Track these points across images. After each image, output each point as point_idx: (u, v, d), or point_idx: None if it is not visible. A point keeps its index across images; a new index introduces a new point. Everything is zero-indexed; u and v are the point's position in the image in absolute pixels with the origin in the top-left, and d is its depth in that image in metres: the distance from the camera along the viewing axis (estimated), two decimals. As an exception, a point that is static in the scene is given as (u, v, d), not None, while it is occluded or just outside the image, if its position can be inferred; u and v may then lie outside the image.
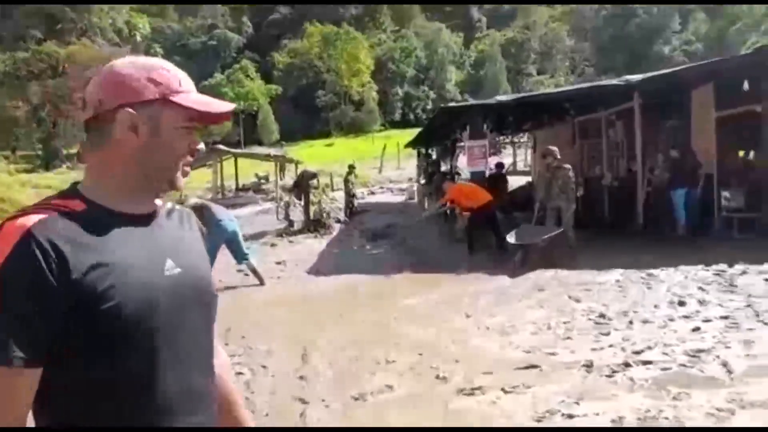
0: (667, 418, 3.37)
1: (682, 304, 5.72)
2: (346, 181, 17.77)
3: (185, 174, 1.16)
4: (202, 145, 1.18)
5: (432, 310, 6.41)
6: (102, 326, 1.00)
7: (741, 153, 10.71)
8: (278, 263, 9.89)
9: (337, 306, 6.88)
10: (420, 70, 69.75)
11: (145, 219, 1.13)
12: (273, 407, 3.99)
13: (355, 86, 63.15)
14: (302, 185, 14.47)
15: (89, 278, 0.99)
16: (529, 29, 76.16)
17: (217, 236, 7.33)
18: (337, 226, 14.10)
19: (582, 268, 7.56)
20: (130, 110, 1.07)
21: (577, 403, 3.65)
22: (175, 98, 1.11)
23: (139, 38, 52.86)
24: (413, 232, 11.90)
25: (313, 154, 40.04)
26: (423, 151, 22.44)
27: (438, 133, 17.18)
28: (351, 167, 18.42)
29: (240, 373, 4.54)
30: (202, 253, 1.24)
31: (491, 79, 66.61)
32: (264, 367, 4.79)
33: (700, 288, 6.23)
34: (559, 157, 9.17)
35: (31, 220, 0.99)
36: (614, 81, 11.11)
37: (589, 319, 5.50)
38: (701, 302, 5.72)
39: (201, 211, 7.22)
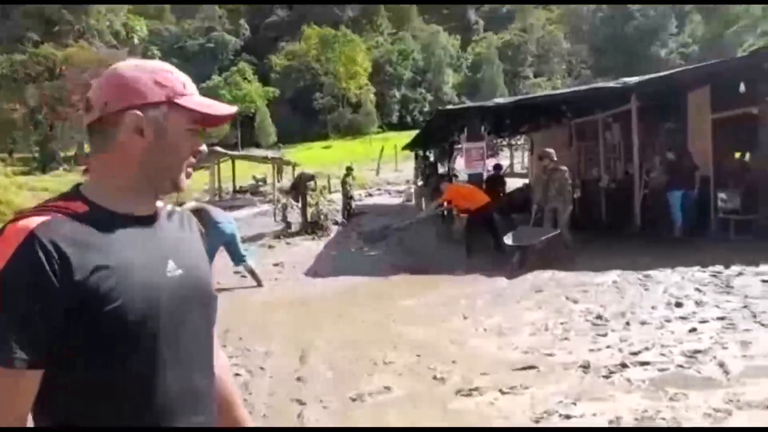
0: (664, 419, 3.38)
1: (679, 305, 5.73)
2: (344, 183, 17.77)
3: (188, 175, 1.17)
4: (204, 147, 1.19)
5: (430, 311, 6.42)
6: (104, 327, 1.00)
7: (737, 155, 10.74)
8: (276, 265, 9.88)
9: (335, 307, 6.88)
10: (417, 73, 69.84)
11: (147, 220, 1.13)
12: (271, 408, 3.99)
13: (353, 88, 63.22)
14: (300, 187, 14.46)
15: (92, 280, 0.99)
16: (526, 32, 76.30)
17: (215, 238, 7.33)
18: (334, 228, 14.10)
19: (579, 270, 7.57)
20: (137, 112, 1.08)
21: (575, 404, 3.66)
22: (180, 101, 1.12)
23: (136, 41, 52.86)
24: (411, 234, 11.90)
25: (310, 157, 40.07)
26: (420, 153, 22.48)
27: (435, 135, 17.21)
28: (348, 169, 18.42)
29: (238, 375, 4.53)
30: (202, 255, 1.25)
31: (488, 81, 66.69)
32: (262, 368, 4.79)
33: (697, 289, 6.25)
34: (555, 159, 9.19)
35: (34, 221, 0.99)
36: (611, 83, 11.15)
37: (587, 320, 5.51)
38: (698, 303, 5.74)
39: (199, 213, 7.21)
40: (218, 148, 23.77)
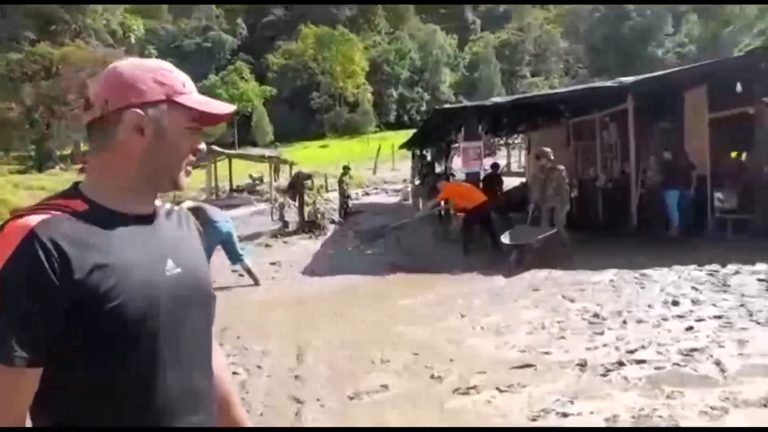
0: (661, 417, 3.39)
1: (675, 303, 5.75)
2: (341, 182, 17.76)
3: (188, 174, 1.17)
4: (203, 145, 1.19)
5: (427, 310, 6.42)
6: (104, 326, 1.00)
7: (734, 154, 10.77)
8: (273, 264, 9.88)
9: (332, 306, 6.88)
10: (414, 72, 69.76)
11: (146, 219, 1.13)
12: (269, 407, 3.99)
13: (350, 88, 63.14)
14: (297, 186, 14.45)
15: (92, 278, 0.99)
16: (523, 31, 76.34)
17: (212, 237, 7.32)
18: (331, 227, 14.10)
19: (576, 269, 7.59)
20: (138, 111, 1.08)
21: (572, 402, 3.67)
22: (180, 99, 1.12)
23: (133, 40, 52.71)
24: (408, 233, 11.90)
25: (307, 156, 40.03)
26: (418, 152, 22.48)
27: (433, 134, 17.22)
28: (346, 168, 18.41)
29: (236, 373, 4.53)
30: (200, 254, 1.25)
31: (485, 81, 66.68)
32: (259, 367, 4.79)
33: (693, 288, 6.27)
34: (553, 158, 9.21)
35: (34, 220, 0.99)
36: (608, 83, 11.18)
37: (584, 319, 5.52)
38: (695, 302, 5.75)
39: (196, 212, 7.20)
40: (215, 147, 23.73)
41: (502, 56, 71.35)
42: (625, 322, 5.32)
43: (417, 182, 20.08)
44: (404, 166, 30.63)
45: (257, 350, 5.23)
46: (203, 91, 1.17)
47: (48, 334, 0.96)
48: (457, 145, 14.31)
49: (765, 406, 3.44)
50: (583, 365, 4.28)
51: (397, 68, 68.08)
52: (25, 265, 0.95)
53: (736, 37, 59.23)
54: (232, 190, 25.20)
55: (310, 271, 9.26)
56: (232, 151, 28.91)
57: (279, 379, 4.52)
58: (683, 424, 3.31)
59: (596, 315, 5.58)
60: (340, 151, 43.63)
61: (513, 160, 30.45)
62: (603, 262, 7.68)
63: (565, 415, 3.52)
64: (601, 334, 5.03)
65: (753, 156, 9.63)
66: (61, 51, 36.87)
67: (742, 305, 5.48)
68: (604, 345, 4.73)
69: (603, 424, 3.37)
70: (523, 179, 19.19)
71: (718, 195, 9.25)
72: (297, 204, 14.38)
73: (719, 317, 5.19)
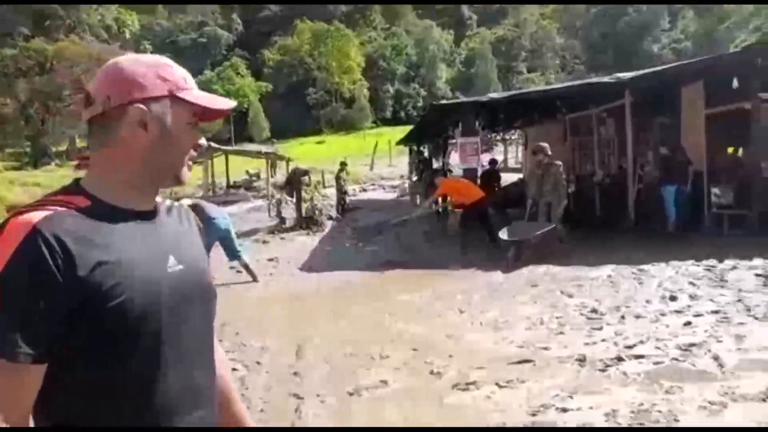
0: (660, 412, 3.40)
1: (673, 299, 5.77)
2: (338, 178, 17.74)
3: (189, 169, 1.17)
4: (204, 141, 1.19)
5: (426, 306, 6.43)
6: (107, 324, 0.99)
7: (731, 150, 10.80)
8: (270, 260, 9.87)
9: (330, 302, 6.89)
10: (410, 68, 69.68)
11: (148, 215, 1.13)
12: (268, 403, 3.99)
13: (346, 83, 63.03)
14: (294, 182, 14.43)
15: (95, 275, 0.98)
16: (519, 27, 76.30)
17: (210, 234, 7.30)
18: (329, 223, 14.08)
19: (574, 264, 7.60)
20: (141, 106, 1.07)
21: (571, 397, 3.68)
22: (182, 95, 1.12)
23: (128, 35, 52.41)
24: (406, 229, 11.90)
25: (304, 152, 39.99)
26: (415, 148, 22.47)
27: (429, 130, 17.21)
28: (343, 164, 18.39)
29: (234, 370, 4.53)
30: (201, 250, 1.25)
31: (482, 76, 66.64)
32: (258, 363, 4.79)
33: (691, 283, 6.29)
34: (550, 153, 9.20)
35: (37, 216, 0.98)
36: (605, 78, 11.17)
37: (582, 314, 5.53)
38: (692, 297, 5.77)
39: (194, 210, 7.18)
40: (212, 143, 23.66)
41: (498, 52, 71.33)
42: (623, 317, 5.33)
43: (414, 178, 20.08)
44: (401, 162, 30.65)
45: (256, 346, 5.23)
46: (199, 86, 1.17)
47: (52, 331, 0.96)
48: (454, 140, 14.32)
49: (763, 400, 3.45)
50: (581, 360, 4.29)
51: (393, 64, 68.01)
52: (28, 262, 0.94)
53: (732, 33, 59.34)
54: (228, 186, 25.17)
55: (308, 267, 9.25)
56: (229, 147, 28.88)
57: (278, 375, 4.52)
58: (682, 419, 3.32)
59: (594, 310, 5.60)
60: (336, 147, 43.59)
61: (510, 156, 30.48)
62: (601, 258, 7.70)
63: (564, 410, 3.53)
64: (600, 329, 5.04)
65: (749, 151, 9.65)
66: (56, 46, 36.63)
67: (739, 300, 5.50)
68: (603, 340, 4.74)
69: (602, 420, 3.38)
70: (521, 175, 19.21)
71: (715, 190, 9.27)
72: (294, 200, 14.36)
73: (717, 312, 5.21)
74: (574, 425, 3.35)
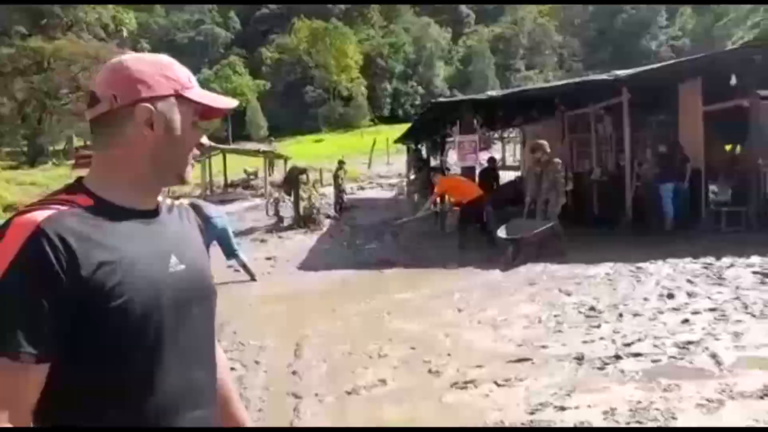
0: (658, 410, 3.40)
1: (671, 296, 5.78)
2: (336, 176, 17.73)
3: (192, 167, 1.18)
4: (206, 139, 1.19)
5: (424, 304, 6.42)
6: (110, 323, 0.99)
7: (728, 147, 10.81)
8: (268, 259, 9.86)
9: (328, 301, 6.88)
10: (408, 66, 69.66)
11: (150, 215, 1.13)
12: (267, 402, 3.99)
13: (344, 82, 62.99)
14: (292, 181, 14.42)
15: (98, 275, 0.98)
16: (517, 25, 76.27)
17: (208, 233, 7.29)
18: (327, 222, 14.07)
19: (572, 262, 7.61)
20: (148, 105, 1.07)
21: (569, 396, 3.68)
22: (187, 93, 1.12)
23: (125, 33, 52.28)
24: (404, 228, 11.89)
25: (302, 150, 39.90)
26: (413, 146, 22.46)
27: (427, 128, 17.20)
28: (340, 163, 18.38)
29: (233, 369, 4.52)
30: (202, 249, 1.25)
31: (479, 74, 66.64)
32: (257, 362, 4.79)
33: (688, 281, 6.29)
34: (548, 151, 9.19)
35: (40, 215, 0.98)
36: (603, 76, 11.16)
37: (580, 312, 5.54)
38: (690, 295, 5.78)
39: (193, 208, 7.18)
40: (210, 142, 23.62)
41: (496, 50, 71.33)
42: (621, 315, 5.34)
43: (412, 176, 20.07)
44: (399, 161, 30.61)
45: (254, 345, 5.23)
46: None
47: (55, 330, 0.96)
48: (452, 138, 14.30)
49: (761, 397, 3.46)
50: (580, 359, 4.30)
51: (391, 62, 67.99)
52: (32, 262, 0.94)
53: (729, 30, 59.37)
54: (226, 185, 25.12)
55: (306, 266, 9.25)
56: (227, 146, 28.84)
57: (276, 374, 4.52)
58: (680, 416, 3.32)
59: (592, 308, 5.60)
60: (334, 145, 43.52)
61: (508, 154, 30.43)
62: (599, 256, 7.70)
63: (562, 408, 3.53)
64: (598, 327, 5.05)
65: (747, 149, 9.66)
66: (53, 45, 36.45)
67: (736, 298, 5.51)
68: (601, 338, 4.75)
69: (600, 418, 3.38)
70: (519, 173, 19.20)
71: (713, 188, 9.29)
72: (292, 199, 14.35)
73: (714, 310, 5.22)
74: (573, 424, 3.35)
